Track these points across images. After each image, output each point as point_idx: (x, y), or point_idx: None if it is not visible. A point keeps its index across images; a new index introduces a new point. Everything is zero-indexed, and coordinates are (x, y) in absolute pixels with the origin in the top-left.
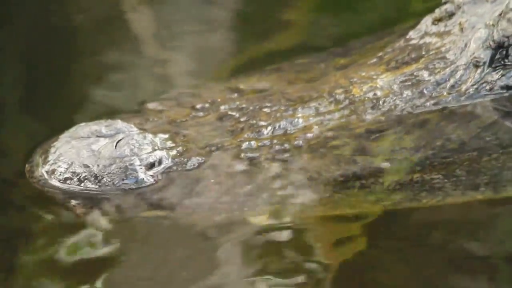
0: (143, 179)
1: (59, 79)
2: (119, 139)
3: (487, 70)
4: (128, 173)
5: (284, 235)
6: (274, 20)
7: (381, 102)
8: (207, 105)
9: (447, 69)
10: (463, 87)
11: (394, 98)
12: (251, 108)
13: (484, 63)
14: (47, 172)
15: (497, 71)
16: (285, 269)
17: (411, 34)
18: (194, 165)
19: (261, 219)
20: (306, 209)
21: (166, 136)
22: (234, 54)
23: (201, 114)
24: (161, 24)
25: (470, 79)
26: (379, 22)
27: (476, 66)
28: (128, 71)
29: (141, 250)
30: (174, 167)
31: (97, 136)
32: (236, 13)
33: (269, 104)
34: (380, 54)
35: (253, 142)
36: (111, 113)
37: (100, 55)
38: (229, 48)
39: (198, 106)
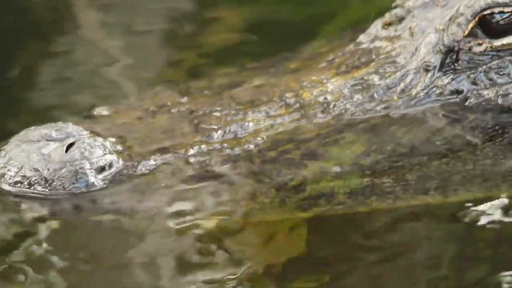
0: (94, 182)
1: (8, 82)
2: (70, 142)
3: (437, 75)
4: (78, 176)
5: (235, 239)
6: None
7: (331, 106)
8: (157, 108)
9: (398, 73)
10: (413, 91)
11: (345, 102)
12: (201, 112)
13: (434, 67)
14: None
15: (447, 75)
16: (235, 273)
17: (361, 38)
18: (144, 168)
19: (212, 223)
20: (257, 213)
21: (117, 139)
22: (184, 58)
23: (151, 117)
24: (111, 26)
25: (420, 84)
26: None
27: (427, 71)
28: (78, 74)
29: (91, 254)
30: (125, 171)
31: (47, 140)
32: (188, 15)
33: (219, 108)
34: (330, 57)
35: (203, 146)
36: (61, 116)
37: (50, 57)
38: (179, 51)
39: (149, 109)
